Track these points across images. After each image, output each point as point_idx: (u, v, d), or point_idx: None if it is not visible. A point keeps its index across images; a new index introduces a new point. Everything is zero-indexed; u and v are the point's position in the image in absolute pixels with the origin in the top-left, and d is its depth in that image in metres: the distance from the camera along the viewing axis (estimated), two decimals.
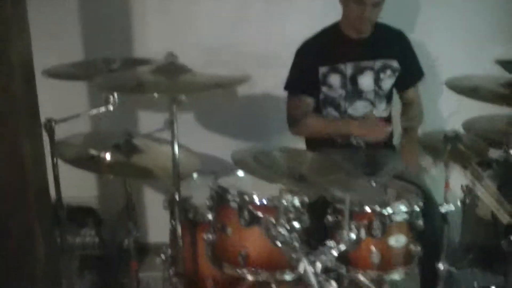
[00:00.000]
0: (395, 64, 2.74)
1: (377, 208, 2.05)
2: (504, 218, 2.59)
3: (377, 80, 2.72)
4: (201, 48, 3.02)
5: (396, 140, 2.85)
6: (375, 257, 2.06)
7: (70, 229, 3.04)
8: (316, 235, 2.10)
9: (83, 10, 3.06)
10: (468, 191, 2.87)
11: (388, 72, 2.74)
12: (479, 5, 3.04)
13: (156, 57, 2.91)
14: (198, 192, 2.37)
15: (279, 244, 1.90)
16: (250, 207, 2.02)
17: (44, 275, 2.10)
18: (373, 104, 2.74)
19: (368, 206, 2.06)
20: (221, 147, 3.19)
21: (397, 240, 2.08)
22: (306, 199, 2.03)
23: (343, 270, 2.09)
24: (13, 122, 1.95)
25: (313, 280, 1.75)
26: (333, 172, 2.03)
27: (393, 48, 2.75)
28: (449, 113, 3.13)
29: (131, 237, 2.43)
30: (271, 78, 2.91)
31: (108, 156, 2.20)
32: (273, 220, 1.94)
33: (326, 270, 1.84)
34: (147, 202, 3.33)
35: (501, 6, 3.02)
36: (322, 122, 2.74)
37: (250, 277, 2.05)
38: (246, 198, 2.03)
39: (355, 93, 2.72)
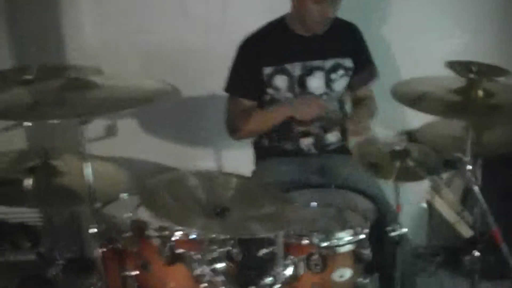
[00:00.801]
0: (348, 62, 2.48)
1: (316, 240, 1.81)
2: (465, 232, 2.38)
3: (328, 82, 2.46)
4: (140, 47, 2.77)
5: (351, 145, 2.60)
6: None
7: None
8: (251, 270, 1.87)
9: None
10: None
11: (340, 72, 2.48)
12: None
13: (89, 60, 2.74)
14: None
15: (204, 285, 1.67)
16: (173, 243, 1.78)
17: None
18: None
19: (306, 237, 1.82)
20: (165, 153, 2.99)
21: (341, 275, 1.84)
22: None
23: None
24: None
25: None
26: (264, 201, 1.78)
27: (345, 44, 2.48)
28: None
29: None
30: (215, 77, 2.64)
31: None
32: (198, 257, 1.72)
33: None
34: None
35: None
36: (255, 116, 2.45)
37: None
38: (167, 233, 1.78)
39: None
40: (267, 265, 1.84)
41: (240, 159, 2.67)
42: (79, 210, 2.89)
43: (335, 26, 2.44)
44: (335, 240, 1.83)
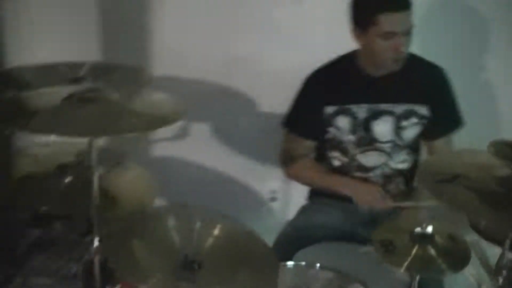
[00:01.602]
0: (423, 110, 2.19)
1: None
2: None
3: (397, 129, 2.20)
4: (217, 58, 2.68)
5: None
6: None
7: None
8: None
9: None
10: None
11: (414, 119, 2.20)
12: None
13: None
14: None
15: None
16: None
17: None
18: (389, 155, 2.24)
19: None
20: (233, 165, 2.91)
21: None
22: None
23: None
24: None
25: None
26: (241, 265, 1.54)
27: (422, 89, 2.18)
28: None
29: None
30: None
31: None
32: None
33: None
34: None
35: None
36: (313, 172, 2.30)
37: None
38: None
39: (368, 142, 2.23)
40: None
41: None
42: None
43: (412, 67, 2.15)
44: None
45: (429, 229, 1.67)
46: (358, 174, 2.26)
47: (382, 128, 2.20)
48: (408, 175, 2.29)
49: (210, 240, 1.58)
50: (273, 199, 2.98)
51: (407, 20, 2.00)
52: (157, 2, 2.70)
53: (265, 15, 2.63)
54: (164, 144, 2.92)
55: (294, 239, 2.14)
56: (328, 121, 2.22)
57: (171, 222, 1.61)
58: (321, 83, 2.23)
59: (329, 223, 2.24)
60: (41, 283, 2.44)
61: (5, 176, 2.01)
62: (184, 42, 2.70)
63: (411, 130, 2.21)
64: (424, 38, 2.22)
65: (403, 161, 2.26)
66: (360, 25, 2.06)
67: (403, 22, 1.99)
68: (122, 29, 2.76)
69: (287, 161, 2.33)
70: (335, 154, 2.28)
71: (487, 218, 1.52)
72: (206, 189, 2.92)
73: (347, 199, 2.22)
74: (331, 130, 2.24)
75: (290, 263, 1.84)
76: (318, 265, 1.81)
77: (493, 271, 1.63)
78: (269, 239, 1.85)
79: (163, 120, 1.61)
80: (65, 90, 1.64)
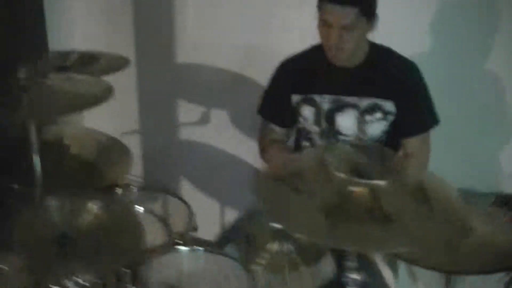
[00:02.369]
0: (388, 106, 2.10)
1: None
2: None
3: (361, 123, 2.13)
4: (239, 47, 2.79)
5: None
6: None
7: None
8: None
9: None
10: None
11: (378, 115, 2.11)
12: None
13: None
14: None
15: None
16: None
17: None
18: None
19: None
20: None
21: None
22: None
23: None
24: None
25: None
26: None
27: (388, 84, 2.08)
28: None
29: None
30: None
31: None
32: None
33: None
34: None
35: None
36: (283, 158, 2.24)
37: None
38: None
39: (332, 134, 2.18)
40: None
41: None
42: None
43: (381, 61, 2.08)
44: None
45: None
46: None
47: (346, 121, 2.14)
48: None
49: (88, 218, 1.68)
50: None
51: (348, 15, 1.92)
52: None
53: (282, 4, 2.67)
54: (188, 129, 3.07)
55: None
56: (296, 110, 2.21)
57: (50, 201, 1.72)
58: (289, 71, 2.23)
59: None
60: None
61: None
62: (206, 33, 2.84)
63: (375, 126, 2.12)
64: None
65: None
66: (318, 8, 2.03)
67: (340, 16, 1.93)
68: (152, 21, 2.98)
69: (261, 146, 2.35)
70: (306, 144, 2.27)
71: None
72: (224, 171, 3.04)
73: None
74: (300, 119, 2.23)
75: (183, 248, 1.86)
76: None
77: None
78: None
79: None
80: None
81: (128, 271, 1.68)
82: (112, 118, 2.75)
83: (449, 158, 2.38)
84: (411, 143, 2.14)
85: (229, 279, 1.69)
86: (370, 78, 2.09)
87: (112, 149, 2.19)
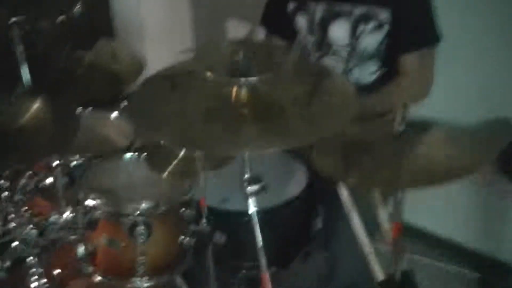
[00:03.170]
0: (384, 14, 1.87)
1: None
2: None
3: (354, 33, 1.92)
4: None
5: None
6: None
7: None
8: None
9: None
10: None
11: (371, 24, 1.89)
12: None
13: None
14: None
15: None
16: None
17: None
18: (346, 63, 1.97)
19: None
20: None
21: None
22: None
23: None
24: None
25: None
26: None
27: None
28: None
29: None
30: None
31: None
32: None
33: None
34: None
35: None
36: None
37: None
38: None
39: (324, 45, 1.99)
40: None
41: None
42: None
43: None
44: None
45: None
46: None
47: (339, 31, 1.95)
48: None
49: None
50: None
51: None
52: None
53: None
54: None
55: None
56: (292, 20, 2.05)
57: None
58: None
59: None
60: None
61: None
62: None
63: (369, 37, 1.91)
64: None
65: (371, 73, 1.97)
66: None
67: None
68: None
69: None
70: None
71: None
72: None
73: None
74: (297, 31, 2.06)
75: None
76: None
77: None
78: None
79: None
80: None
81: None
82: None
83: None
84: (408, 60, 1.91)
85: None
86: None
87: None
